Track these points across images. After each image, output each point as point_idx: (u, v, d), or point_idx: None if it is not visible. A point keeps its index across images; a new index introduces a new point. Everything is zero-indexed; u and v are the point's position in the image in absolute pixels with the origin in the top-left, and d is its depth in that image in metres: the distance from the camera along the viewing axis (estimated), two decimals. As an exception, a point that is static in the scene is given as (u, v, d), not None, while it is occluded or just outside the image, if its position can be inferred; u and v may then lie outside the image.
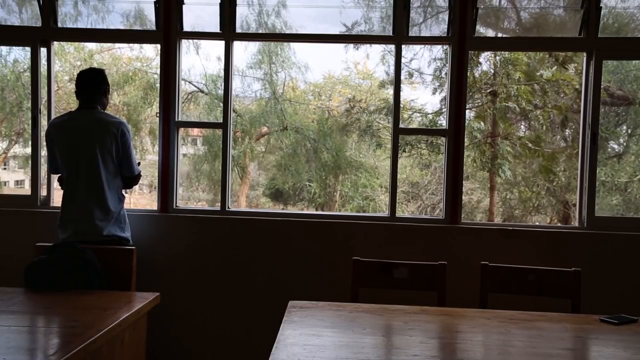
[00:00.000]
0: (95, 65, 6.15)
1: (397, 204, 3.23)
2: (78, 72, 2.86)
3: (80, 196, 2.72)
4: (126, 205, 2.92)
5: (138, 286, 2.46)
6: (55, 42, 3.41)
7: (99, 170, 2.71)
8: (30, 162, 3.39)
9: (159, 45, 3.28)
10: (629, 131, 5.69)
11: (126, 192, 2.99)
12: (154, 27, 3.31)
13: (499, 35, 4.13)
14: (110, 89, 2.96)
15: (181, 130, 3.42)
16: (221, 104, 3.33)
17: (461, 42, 3.14)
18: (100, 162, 2.71)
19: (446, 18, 3.25)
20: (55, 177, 3.14)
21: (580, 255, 3.04)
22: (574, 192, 4.58)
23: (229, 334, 3.23)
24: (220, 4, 3.24)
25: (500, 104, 5.52)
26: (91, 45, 6.15)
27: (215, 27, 3.27)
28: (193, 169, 6.17)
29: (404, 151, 5.59)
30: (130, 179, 2.88)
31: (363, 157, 6.20)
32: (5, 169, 6.96)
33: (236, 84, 5.60)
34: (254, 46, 5.55)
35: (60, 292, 2.15)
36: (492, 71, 5.72)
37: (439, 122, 5.64)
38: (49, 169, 2.93)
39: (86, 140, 2.71)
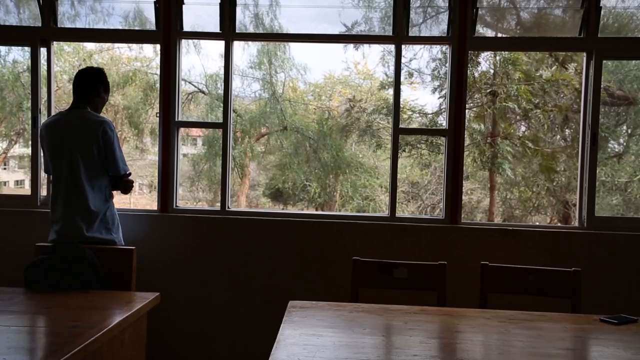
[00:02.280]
0: (93, 64, 6.16)
1: (397, 204, 3.23)
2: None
3: (62, 197, 2.69)
4: (126, 206, 2.92)
5: (138, 286, 2.46)
6: (54, 42, 3.41)
7: (80, 171, 2.66)
8: (30, 162, 3.39)
9: (158, 45, 3.28)
10: (629, 131, 5.68)
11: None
12: (153, 27, 3.32)
13: (499, 35, 4.14)
14: (110, 88, 2.90)
15: (181, 130, 3.42)
16: (221, 104, 3.33)
17: (461, 42, 3.14)
18: (82, 162, 2.66)
19: (446, 19, 3.25)
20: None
21: (580, 255, 3.04)
22: (574, 192, 4.57)
23: (228, 333, 3.23)
24: (220, 4, 3.24)
25: (500, 104, 5.52)
26: (90, 46, 6.15)
27: (215, 27, 3.27)
28: (193, 169, 6.17)
29: (404, 151, 5.59)
30: (118, 179, 2.79)
31: (363, 157, 6.19)
32: (5, 169, 6.96)
33: (236, 84, 5.60)
34: (253, 47, 5.55)
35: (60, 292, 2.15)
36: (492, 71, 5.72)
37: (439, 122, 5.64)
38: (44, 169, 2.93)
39: (69, 141, 2.68)
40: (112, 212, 2.79)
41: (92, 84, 2.79)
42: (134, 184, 2.87)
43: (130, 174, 2.83)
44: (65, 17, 3.48)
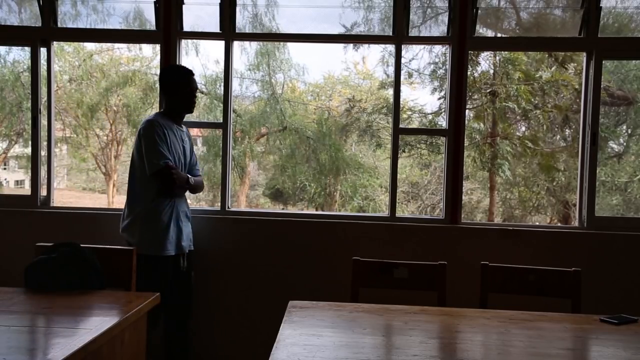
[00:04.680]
0: (92, 65, 6.17)
1: (397, 204, 3.23)
2: None
3: None
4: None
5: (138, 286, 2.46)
6: (55, 42, 3.41)
7: (131, 172, 2.80)
8: (30, 162, 3.39)
9: (158, 45, 3.28)
10: (629, 131, 5.69)
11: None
12: (153, 28, 3.31)
13: (499, 35, 4.14)
14: (180, 82, 2.79)
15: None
16: (221, 105, 3.33)
17: (461, 42, 3.14)
18: (133, 163, 2.79)
19: (445, 20, 3.25)
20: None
21: (580, 255, 3.04)
22: (574, 192, 4.58)
23: (228, 333, 3.23)
24: (220, 4, 3.24)
25: (499, 104, 5.52)
26: (91, 46, 6.16)
27: (215, 27, 3.27)
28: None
29: (404, 151, 5.59)
30: (157, 181, 2.69)
31: (363, 157, 6.20)
32: (5, 169, 6.96)
33: (235, 85, 5.61)
34: (251, 50, 5.55)
35: (60, 292, 2.15)
36: (492, 71, 5.72)
37: (438, 122, 5.64)
38: None
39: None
40: (149, 215, 2.71)
41: (161, 86, 2.90)
42: (170, 183, 2.68)
43: (160, 172, 2.65)
44: (67, 17, 3.48)
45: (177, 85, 2.80)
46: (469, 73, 3.28)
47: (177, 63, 3.26)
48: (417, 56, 5.42)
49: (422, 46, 5.12)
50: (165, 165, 2.66)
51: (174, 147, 2.76)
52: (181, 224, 2.81)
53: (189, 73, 2.84)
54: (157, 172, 2.66)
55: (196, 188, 2.91)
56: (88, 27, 3.58)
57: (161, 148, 2.67)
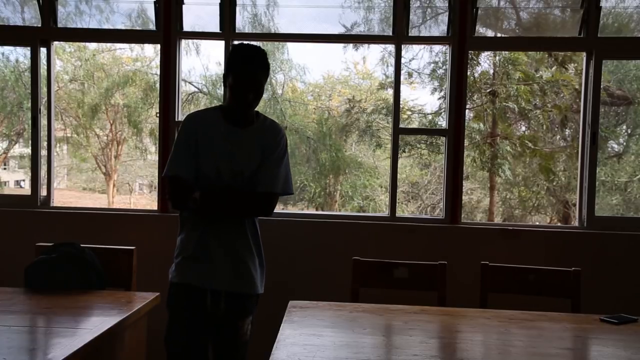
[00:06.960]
0: (94, 65, 6.17)
1: (397, 204, 3.23)
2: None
3: None
4: (126, 206, 2.90)
5: (138, 286, 2.46)
6: (55, 42, 3.41)
7: None
8: (30, 162, 3.39)
9: (159, 45, 3.28)
10: (629, 131, 5.69)
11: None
12: (154, 27, 3.31)
13: (499, 35, 4.14)
14: (232, 69, 1.98)
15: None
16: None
17: (461, 42, 3.14)
18: None
19: (445, 20, 3.25)
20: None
21: (580, 255, 3.04)
22: (574, 192, 4.58)
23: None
24: (220, 4, 3.24)
25: (499, 104, 5.52)
26: (93, 46, 6.16)
27: (215, 27, 3.27)
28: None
29: (404, 151, 5.60)
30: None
31: (363, 157, 6.20)
32: (5, 169, 6.97)
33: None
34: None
35: (60, 292, 2.15)
36: (492, 71, 5.73)
37: (438, 122, 5.65)
38: None
39: None
40: (179, 240, 2.25)
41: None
42: (171, 197, 2.14)
43: (168, 181, 2.12)
44: (70, 17, 3.48)
45: (225, 71, 2.06)
46: (469, 73, 3.28)
47: (177, 63, 3.26)
48: (417, 56, 5.43)
49: (422, 46, 5.13)
50: (170, 177, 2.08)
51: (210, 148, 2.05)
52: (208, 252, 2.11)
53: (239, 55, 1.98)
54: (167, 181, 2.13)
55: (216, 206, 2.11)
56: (92, 26, 3.58)
57: (177, 153, 2.06)
